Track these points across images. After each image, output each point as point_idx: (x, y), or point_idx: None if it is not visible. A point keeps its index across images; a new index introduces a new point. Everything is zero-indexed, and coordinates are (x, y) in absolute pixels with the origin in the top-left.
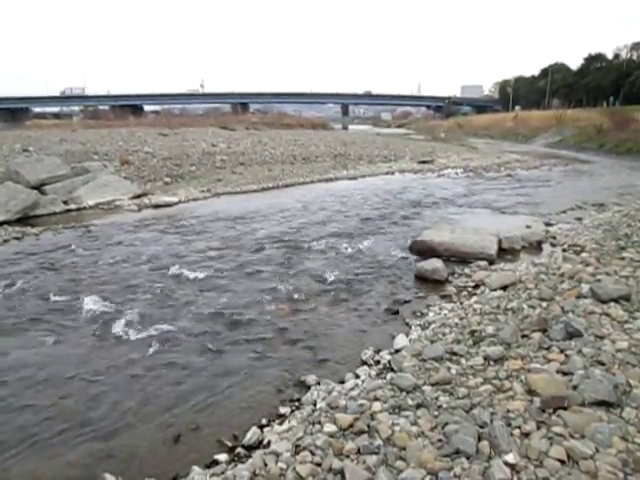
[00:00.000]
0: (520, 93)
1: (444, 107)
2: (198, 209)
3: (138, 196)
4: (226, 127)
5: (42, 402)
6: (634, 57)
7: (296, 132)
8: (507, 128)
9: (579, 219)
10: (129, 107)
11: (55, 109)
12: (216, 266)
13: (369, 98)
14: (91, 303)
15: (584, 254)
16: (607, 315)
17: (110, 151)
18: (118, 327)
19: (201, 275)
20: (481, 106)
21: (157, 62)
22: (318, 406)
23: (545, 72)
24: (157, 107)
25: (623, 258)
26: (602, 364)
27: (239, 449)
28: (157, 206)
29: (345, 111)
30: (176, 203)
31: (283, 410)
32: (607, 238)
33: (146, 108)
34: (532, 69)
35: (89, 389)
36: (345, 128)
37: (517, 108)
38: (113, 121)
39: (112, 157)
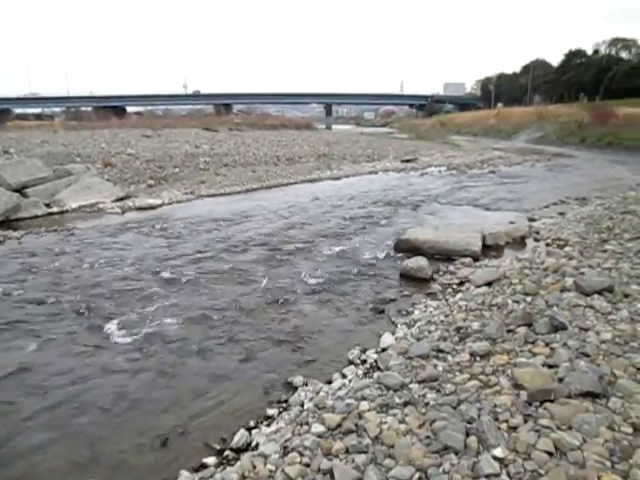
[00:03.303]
0: (502, 90)
1: (427, 105)
2: (182, 211)
3: (121, 199)
4: (209, 128)
5: (24, 409)
6: (613, 52)
7: (279, 133)
8: (490, 125)
9: (562, 213)
10: (112, 108)
11: (37, 110)
12: (200, 268)
13: (352, 98)
14: (75, 307)
15: (567, 248)
16: (591, 307)
17: (93, 153)
18: (102, 331)
19: (185, 277)
20: (464, 104)
21: (140, 63)
22: (306, 407)
23: (526, 69)
24: (140, 108)
25: (605, 250)
26: (587, 356)
27: (227, 452)
28: (141, 209)
29: (328, 111)
30: (160, 205)
31: (271, 412)
32: (590, 231)
33: (129, 109)
34: (513, 66)
35: (73, 394)
36: (329, 128)
37: (499, 105)
38: (96, 122)
39: (95, 159)
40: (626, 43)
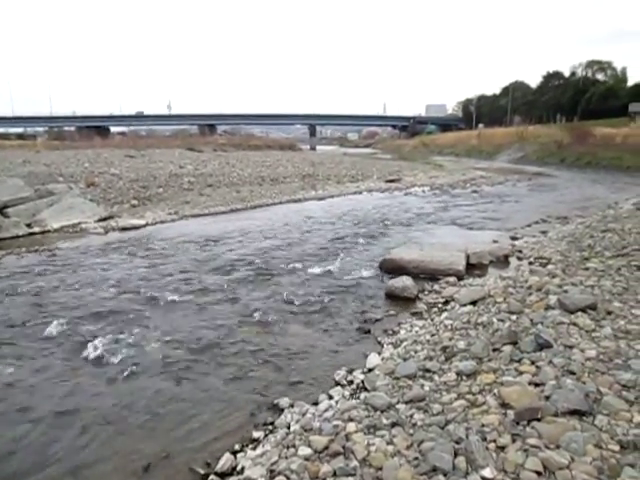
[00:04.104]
0: (483, 111)
1: (409, 126)
2: (166, 232)
3: (104, 219)
4: (193, 149)
5: (1, 432)
6: (589, 74)
7: (264, 153)
8: (471, 145)
9: (544, 232)
10: (95, 128)
11: (19, 129)
12: (185, 289)
13: (336, 119)
14: (56, 329)
15: (550, 266)
16: (575, 325)
17: (75, 173)
18: (84, 354)
19: (170, 299)
20: (445, 125)
21: (124, 83)
22: (292, 429)
23: (506, 90)
24: (124, 128)
25: (587, 268)
26: (573, 373)
27: (212, 477)
28: (124, 229)
29: (312, 132)
30: (143, 226)
31: (257, 434)
32: (571, 249)
33: (112, 129)
34: (494, 88)
35: (53, 418)
36: (313, 149)
37: (480, 126)
38: (79, 142)
39: (78, 179)
40: (602, 65)
